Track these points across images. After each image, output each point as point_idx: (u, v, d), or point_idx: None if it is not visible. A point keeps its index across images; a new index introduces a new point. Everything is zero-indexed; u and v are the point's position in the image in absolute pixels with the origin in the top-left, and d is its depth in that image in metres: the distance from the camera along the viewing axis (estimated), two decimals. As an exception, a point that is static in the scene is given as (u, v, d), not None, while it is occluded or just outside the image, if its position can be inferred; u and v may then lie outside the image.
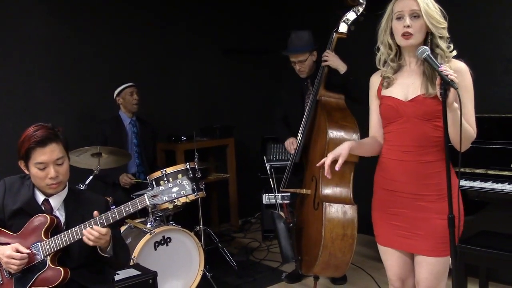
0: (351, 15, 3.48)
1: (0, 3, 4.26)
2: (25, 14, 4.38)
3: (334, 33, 3.52)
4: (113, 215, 2.20)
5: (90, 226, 2.17)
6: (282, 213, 3.62)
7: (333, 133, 3.34)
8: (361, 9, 3.45)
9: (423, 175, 2.14)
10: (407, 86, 2.17)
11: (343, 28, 3.49)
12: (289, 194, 4.08)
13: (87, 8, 4.71)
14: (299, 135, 3.61)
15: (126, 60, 4.94)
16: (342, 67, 3.53)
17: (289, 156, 3.94)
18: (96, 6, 4.76)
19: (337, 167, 2.20)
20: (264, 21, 5.85)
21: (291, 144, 3.75)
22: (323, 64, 3.55)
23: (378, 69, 2.32)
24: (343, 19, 3.49)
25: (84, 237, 2.15)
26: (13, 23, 4.32)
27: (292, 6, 5.71)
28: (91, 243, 2.15)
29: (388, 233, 2.27)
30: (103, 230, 2.16)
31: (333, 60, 3.53)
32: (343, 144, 2.25)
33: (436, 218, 2.11)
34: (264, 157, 3.93)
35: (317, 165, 2.35)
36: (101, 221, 2.19)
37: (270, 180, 3.77)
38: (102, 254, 2.24)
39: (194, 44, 5.40)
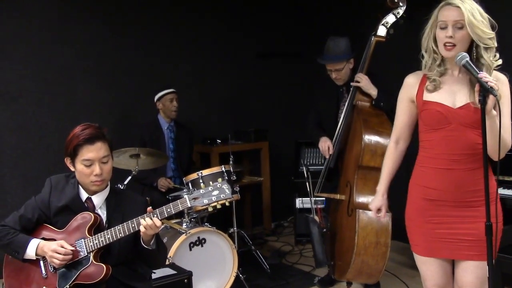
0: (390, 18, 3.40)
1: (43, 7, 4.42)
2: (67, 18, 4.54)
3: (373, 37, 3.45)
4: (155, 215, 2.27)
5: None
6: (316, 218, 3.63)
7: (369, 139, 3.31)
8: (401, 12, 3.37)
9: (470, 182, 2.12)
10: (453, 93, 2.15)
11: (382, 31, 3.42)
12: (323, 199, 4.07)
13: (128, 12, 4.84)
14: (334, 140, 3.59)
15: (163, 64, 5.05)
16: (373, 91, 3.46)
17: (323, 160, 3.92)
18: (136, 11, 4.89)
19: (382, 217, 2.55)
20: (298, 24, 5.87)
21: (325, 146, 3.68)
22: (354, 84, 3.50)
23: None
24: (382, 22, 3.41)
25: (141, 221, 2.24)
26: (56, 26, 4.48)
27: (326, 9, 5.71)
28: (143, 229, 2.23)
29: (430, 243, 2.23)
30: (159, 223, 2.25)
31: (365, 83, 3.47)
32: (378, 194, 2.49)
33: (481, 221, 2.07)
34: (302, 160, 3.87)
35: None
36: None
37: (307, 183, 3.72)
38: (145, 246, 2.31)
39: (228, 48, 5.47)
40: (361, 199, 3.31)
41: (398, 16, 3.39)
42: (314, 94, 4.15)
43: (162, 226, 3.76)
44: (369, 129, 3.34)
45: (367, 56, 3.51)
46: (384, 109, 3.46)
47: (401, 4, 3.38)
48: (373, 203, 2.51)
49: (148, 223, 2.23)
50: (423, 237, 2.26)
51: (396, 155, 2.41)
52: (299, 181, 4.99)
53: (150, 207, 2.32)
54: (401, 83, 2.36)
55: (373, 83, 3.50)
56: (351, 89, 3.55)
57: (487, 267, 2.11)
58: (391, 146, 2.42)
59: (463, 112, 2.11)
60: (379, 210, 2.49)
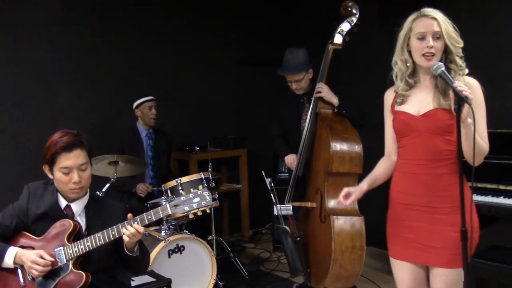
0: (345, 26, 3.46)
1: (23, 12, 4.38)
2: (46, 22, 4.50)
3: (330, 45, 3.50)
4: (135, 222, 2.26)
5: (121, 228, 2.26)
6: (286, 227, 3.60)
7: (337, 146, 3.36)
8: (355, 20, 3.45)
9: (437, 187, 2.17)
10: (419, 101, 2.22)
11: (338, 39, 3.48)
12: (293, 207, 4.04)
13: (107, 18, 4.82)
14: (301, 148, 3.59)
15: (142, 70, 5.04)
16: (335, 99, 3.50)
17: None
18: (115, 17, 4.87)
19: (348, 203, 2.39)
20: (278, 32, 5.91)
21: (291, 159, 3.72)
22: (316, 95, 3.53)
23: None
24: (338, 30, 3.48)
25: (124, 231, 2.22)
26: (34, 31, 4.44)
27: (307, 17, 5.78)
28: (127, 239, 2.22)
29: (401, 246, 2.30)
30: (141, 228, 2.24)
31: (327, 93, 3.51)
32: (360, 186, 2.42)
33: (450, 230, 2.15)
34: (263, 172, 3.76)
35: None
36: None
37: (271, 195, 3.68)
38: (129, 254, 2.30)
39: (208, 55, 5.48)
40: (333, 204, 3.37)
41: (353, 24, 3.46)
42: (277, 105, 4.11)
43: (157, 228, 3.76)
44: (335, 136, 3.39)
45: (326, 64, 3.54)
46: (347, 116, 3.53)
47: (354, 11, 3.45)
48: (349, 188, 2.42)
49: (131, 231, 2.22)
50: (395, 241, 2.32)
51: (388, 163, 2.42)
52: (277, 188, 5.01)
53: (131, 213, 2.32)
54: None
55: (333, 91, 3.54)
56: (313, 98, 3.58)
57: (459, 274, 2.17)
58: (385, 157, 2.46)
59: (424, 119, 2.17)
60: (348, 196, 2.40)
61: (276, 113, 4.06)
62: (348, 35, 3.48)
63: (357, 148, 3.39)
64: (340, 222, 3.28)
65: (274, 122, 4.07)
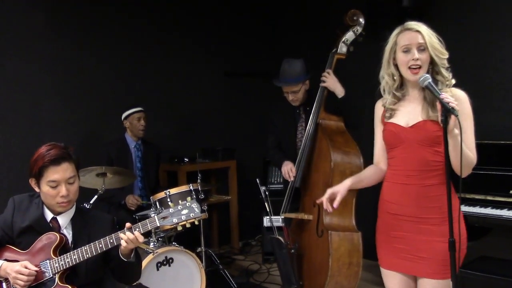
0: (350, 36, 3.44)
1: (9, 23, 4.34)
2: (32, 34, 4.46)
3: (334, 54, 3.48)
4: (137, 229, 2.26)
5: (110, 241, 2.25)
6: (281, 238, 3.58)
7: (337, 160, 3.31)
8: (360, 29, 3.43)
9: (426, 198, 2.19)
10: (408, 112, 2.24)
11: (343, 49, 3.46)
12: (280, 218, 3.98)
13: (94, 30, 4.80)
14: (299, 159, 3.55)
15: (130, 81, 5.02)
16: (340, 91, 3.43)
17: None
18: (102, 28, 4.85)
19: (335, 205, 2.37)
20: (266, 44, 5.95)
21: (289, 170, 3.61)
22: (322, 85, 3.48)
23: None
24: (343, 40, 3.45)
25: (125, 237, 2.23)
26: (20, 42, 4.39)
27: (295, 29, 5.81)
28: (124, 244, 2.23)
29: (390, 256, 2.31)
30: (141, 237, 2.25)
31: (331, 82, 3.44)
32: (344, 183, 2.41)
33: (439, 241, 2.15)
34: (257, 180, 3.71)
35: (317, 201, 2.48)
36: (111, 241, 2.24)
37: (265, 204, 3.64)
38: (126, 260, 2.30)
39: (197, 67, 5.49)
40: (331, 218, 3.33)
41: (357, 34, 3.45)
42: (272, 117, 4.02)
43: (145, 240, 3.72)
44: (336, 149, 3.34)
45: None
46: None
47: (360, 20, 3.43)
48: (333, 188, 2.42)
49: (129, 237, 2.21)
50: (385, 251, 2.34)
51: (377, 169, 2.43)
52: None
53: (129, 223, 2.30)
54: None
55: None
56: (314, 107, 3.53)
57: (447, 285, 2.17)
58: (373, 165, 2.46)
59: (414, 130, 2.20)
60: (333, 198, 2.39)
61: (270, 125, 3.95)
62: (353, 44, 3.46)
63: (358, 161, 3.34)
64: (338, 238, 3.23)
65: (269, 134, 3.95)
